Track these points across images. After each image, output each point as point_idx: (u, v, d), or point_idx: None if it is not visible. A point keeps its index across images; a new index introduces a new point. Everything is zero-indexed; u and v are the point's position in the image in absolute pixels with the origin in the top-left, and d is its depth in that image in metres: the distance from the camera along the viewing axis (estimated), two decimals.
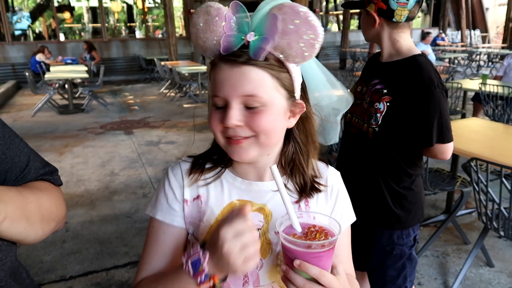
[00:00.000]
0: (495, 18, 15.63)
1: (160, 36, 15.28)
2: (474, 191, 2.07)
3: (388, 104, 1.33)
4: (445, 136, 1.32)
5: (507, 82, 4.84)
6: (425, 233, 2.73)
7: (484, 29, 15.48)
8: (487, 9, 15.76)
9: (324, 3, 15.83)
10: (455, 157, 2.72)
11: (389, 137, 1.36)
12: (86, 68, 8.62)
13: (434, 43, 12.64)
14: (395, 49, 1.38)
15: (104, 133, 5.66)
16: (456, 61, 11.25)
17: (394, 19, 1.34)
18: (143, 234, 2.77)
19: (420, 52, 1.37)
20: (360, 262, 1.39)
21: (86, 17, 15.91)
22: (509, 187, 1.90)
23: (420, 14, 18.58)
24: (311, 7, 13.88)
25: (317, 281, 0.57)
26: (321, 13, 15.28)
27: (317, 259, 0.57)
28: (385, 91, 1.35)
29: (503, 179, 1.89)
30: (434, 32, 14.58)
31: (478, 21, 15.38)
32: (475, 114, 5.11)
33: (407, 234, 1.47)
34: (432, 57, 8.88)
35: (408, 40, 1.39)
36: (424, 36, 9.34)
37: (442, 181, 2.59)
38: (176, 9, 16.07)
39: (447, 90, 1.36)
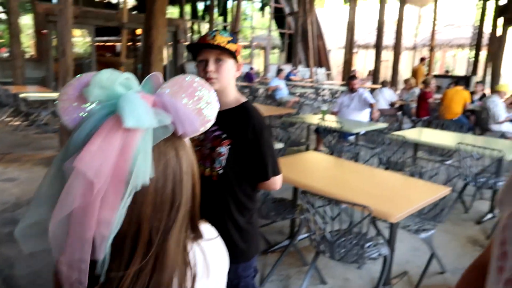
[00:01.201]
0: (336, 59, 18.19)
1: (5, 55, 13.50)
2: (306, 218, 2.36)
3: (229, 147, 1.48)
4: (277, 169, 1.53)
5: (340, 117, 5.68)
6: (272, 259, 2.96)
7: (328, 67, 17.90)
8: (329, 50, 18.32)
9: (189, 34, 16.25)
10: (295, 187, 3.05)
11: (233, 177, 1.50)
12: None
13: (287, 78, 14.06)
14: (230, 97, 1.53)
15: None
16: (305, 95, 12.67)
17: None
18: None
19: (246, 100, 1.56)
20: None
21: None
22: (330, 215, 2.24)
23: (277, 51, 20.54)
24: (175, 37, 14.09)
25: None
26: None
27: None
28: (224, 135, 1.48)
29: (327, 208, 2.22)
30: (288, 68, 16.27)
31: (323, 60, 17.73)
32: (317, 144, 5.83)
33: (249, 266, 1.60)
34: (285, 91, 9.88)
35: (235, 89, 1.57)
36: (278, 72, 10.37)
37: (284, 210, 2.88)
38: (26, 26, 14.50)
39: (269, 129, 1.57)
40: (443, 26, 14.04)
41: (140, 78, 0.55)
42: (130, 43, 14.67)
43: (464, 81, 8.93)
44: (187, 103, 0.54)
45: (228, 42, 1.44)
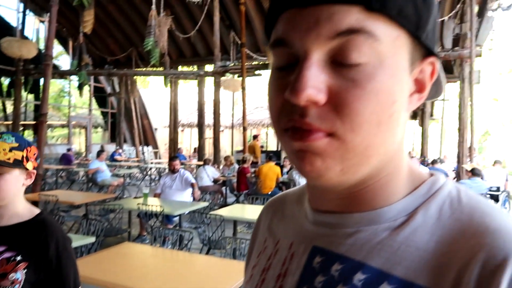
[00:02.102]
0: (163, 137, 18.43)
1: None
2: None
3: (25, 270, 1.20)
4: (77, 282, 1.32)
5: (163, 199, 5.57)
6: None
7: (155, 145, 17.92)
8: (156, 129, 18.49)
9: None
10: None
11: None
12: None
13: (112, 159, 13.39)
14: (19, 209, 1.29)
15: None
16: (131, 175, 12.20)
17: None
18: None
19: (40, 211, 1.33)
20: None
21: None
22: None
23: (100, 130, 19.62)
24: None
25: None
26: None
27: None
28: (18, 258, 1.21)
29: None
30: (112, 147, 15.59)
31: (149, 138, 17.71)
32: (141, 230, 5.51)
33: None
34: (107, 173, 9.27)
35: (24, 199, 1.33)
36: (99, 153, 9.74)
37: None
38: None
39: (70, 239, 1.36)
40: (253, 108, 16.05)
41: None
42: None
43: (276, 155, 10.10)
44: None
45: (13, 149, 1.21)
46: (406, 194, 0.43)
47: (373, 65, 0.37)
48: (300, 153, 0.39)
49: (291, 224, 0.53)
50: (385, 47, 0.37)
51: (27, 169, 1.27)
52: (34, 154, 1.31)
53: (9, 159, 1.20)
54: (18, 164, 1.22)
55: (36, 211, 1.33)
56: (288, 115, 0.39)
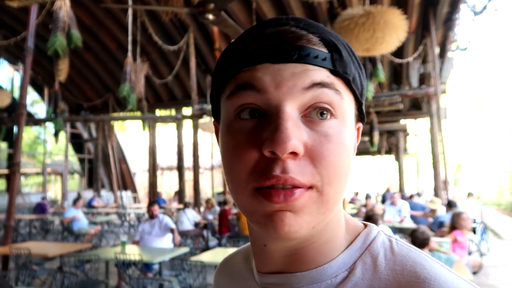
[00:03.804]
0: (142, 180, 18.17)
1: None
2: None
3: None
4: None
5: (143, 246, 5.43)
6: None
7: (134, 190, 17.60)
8: (134, 173, 18.23)
9: None
10: None
11: None
12: None
13: (89, 205, 13.04)
14: None
15: None
16: (108, 223, 11.85)
17: None
18: None
19: None
20: None
21: None
22: None
23: (76, 176, 19.18)
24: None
25: None
26: None
27: None
28: None
29: None
30: (90, 194, 15.21)
31: (128, 183, 17.40)
32: (119, 281, 5.31)
33: None
34: (83, 221, 8.99)
35: None
36: (74, 201, 9.48)
37: None
38: None
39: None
40: None
41: None
42: None
43: None
44: None
45: None
46: (344, 248, 0.45)
47: (340, 120, 0.41)
48: (278, 214, 0.38)
49: (240, 285, 0.54)
50: (347, 105, 0.42)
51: None
52: None
53: None
54: None
55: None
56: (264, 173, 0.38)
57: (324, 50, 0.41)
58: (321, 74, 0.40)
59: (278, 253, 0.45)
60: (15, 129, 15.60)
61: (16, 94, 14.24)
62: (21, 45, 11.04)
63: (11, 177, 6.65)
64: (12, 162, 6.73)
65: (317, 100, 0.40)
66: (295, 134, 0.37)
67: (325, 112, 0.40)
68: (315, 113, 0.40)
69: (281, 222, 0.38)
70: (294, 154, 0.37)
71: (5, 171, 15.78)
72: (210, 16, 3.55)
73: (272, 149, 0.37)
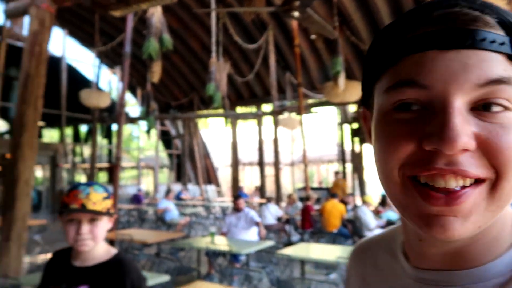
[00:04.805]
0: (225, 175, 18.91)
1: None
2: None
3: None
4: None
5: (230, 238, 5.69)
6: None
7: (218, 184, 18.41)
8: (217, 168, 19.06)
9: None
10: None
11: None
12: None
13: (178, 198, 13.95)
14: (99, 250, 1.41)
15: None
16: (196, 214, 12.57)
17: None
18: None
19: (118, 251, 1.46)
20: None
21: None
22: None
23: (166, 170, 20.61)
24: (54, 161, 13.26)
25: None
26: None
27: None
28: None
29: None
30: (178, 187, 16.25)
31: (212, 178, 18.25)
32: (209, 268, 5.63)
33: None
34: (174, 212, 9.67)
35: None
36: (167, 193, 10.23)
37: None
38: None
39: (145, 279, 1.47)
40: (313, 145, 16.08)
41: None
42: None
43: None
44: None
45: (104, 198, 1.39)
46: (509, 246, 0.41)
47: None
48: (437, 219, 0.36)
49: (388, 277, 0.52)
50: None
51: (111, 215, 1.45)
52: (112, 202, 1.49)
53: (103, 208, 1.38)
54: (108, 212, 1.41)
55: (114, 251, 1.46)
56: (423, 164, 0.36)
57: (501, 33, 0.36)
58: (498, 66, 0.35)
59: (436, 249, 0.43)
60: (113, 127, 17.26)
61: (114, 95, 15.70)
62: (116, 50, 12.15)
63: (114, 170, 7.41)
64: (116, 156, 7.48)
65: (493, 95, 0.36)
66: (466, 130, 0.35)
67: (501, 106, 0.36)
68: (488, 106, 0.36)
69: (441, 228, 0.36)
70: (463, 150, 0.35)
71: (106, 165, 17.56)
72: (296, 14, 3.59)
73: (438, 147, 0.34)
